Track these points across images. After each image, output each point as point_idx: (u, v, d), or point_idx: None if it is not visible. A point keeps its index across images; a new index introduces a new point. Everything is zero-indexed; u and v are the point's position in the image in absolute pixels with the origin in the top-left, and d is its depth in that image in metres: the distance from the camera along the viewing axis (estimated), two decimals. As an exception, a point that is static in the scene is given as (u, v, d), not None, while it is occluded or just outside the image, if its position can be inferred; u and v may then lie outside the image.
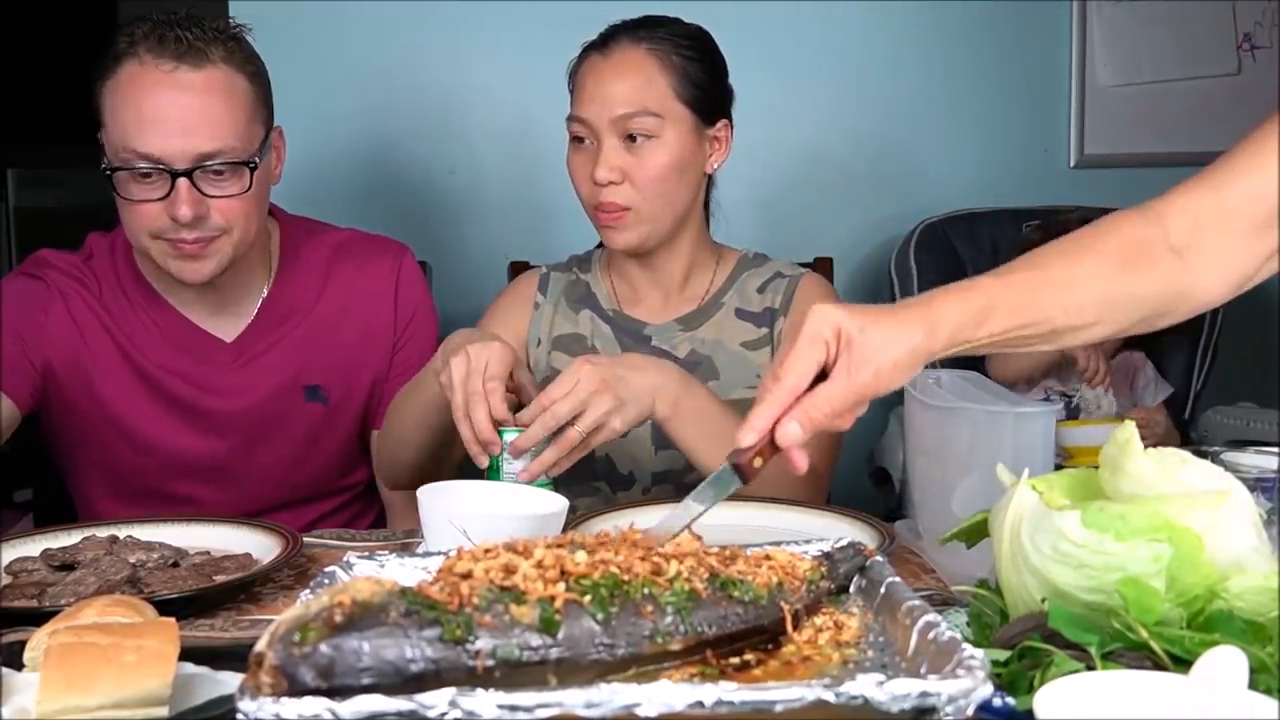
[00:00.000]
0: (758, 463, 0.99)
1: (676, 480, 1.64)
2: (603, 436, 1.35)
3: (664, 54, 1.59)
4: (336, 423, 1.72)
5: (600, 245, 1.78)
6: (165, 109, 1.48)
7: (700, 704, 0.70)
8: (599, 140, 1.58)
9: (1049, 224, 2.32)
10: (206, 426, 1.66)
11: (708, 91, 1.63)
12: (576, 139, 1.61)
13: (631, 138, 1.57)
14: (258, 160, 1.53)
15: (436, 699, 0.69)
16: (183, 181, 1.48)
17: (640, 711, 0.70)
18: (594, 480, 1.65)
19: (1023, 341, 1.04)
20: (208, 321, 1.67)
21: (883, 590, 0.95)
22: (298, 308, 1.70)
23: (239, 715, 0.70)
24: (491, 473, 1.34)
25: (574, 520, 1.32)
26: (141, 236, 1.55)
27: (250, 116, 1.54)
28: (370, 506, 1.83)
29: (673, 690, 0.71)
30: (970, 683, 0.73)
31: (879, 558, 1.02)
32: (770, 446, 0.99)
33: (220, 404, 1.66)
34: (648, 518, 1.35)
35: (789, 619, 0.90)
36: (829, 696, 0.71)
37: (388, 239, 1.81)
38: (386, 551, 1.13)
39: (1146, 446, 0.92)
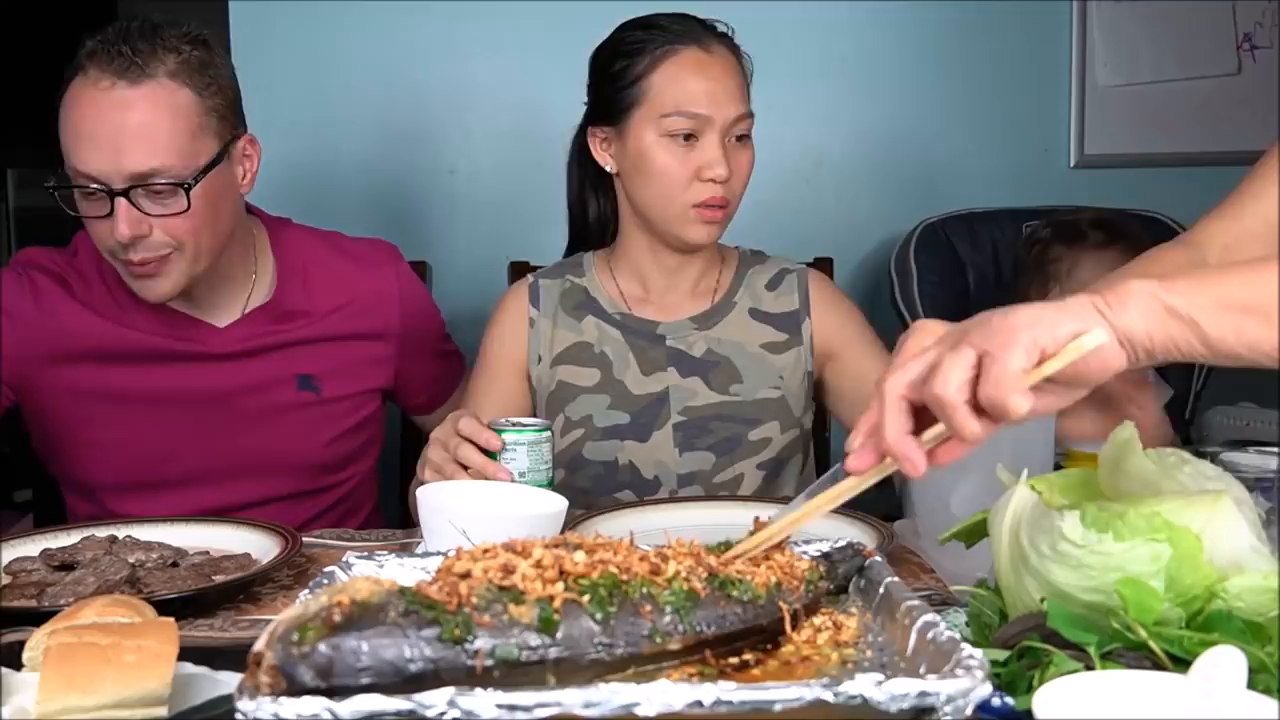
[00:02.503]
0: None
1: (705, 481, 1.62)
2: None
3: (738, 53, 1.62)
4: (328, 415, 1.71)
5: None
6: (100, 128, 1.46)
7: (699, 704, 0.70)
8: (703, 137, 1.57)
9: (1059, 225, 2.30)
10: (194, 414, 1.66)
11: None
12: (682, 135, 1.57)
13: (737, 137, 1.58)
14: (193, 181, 1.49)
15: (435, 699, 0.69)
16: (120, 201, 1.46)
17: (639, 711, 0.70)
18: (619, 490, 1.63)
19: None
20: (199, 314, 1.67)
21: (882, 590, 0.95)
22: (297, 310, 1.70)
23: (238, 715, 0.70)
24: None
25: (575, 520, 1.32)
26: (104, 253, 1.55)
27: (195, 132, 1.50)
28: (361, 504, 1.83)
29: (672, 690, 0.71)
30: (969, 682, 0.73)
31: (878, 558, 1.02)
32: None
33: (209, 390, 1.65)
34: (648, 518, 1.36)
35: (788, 619, 0.90)
36: (828, 696, 0.71)
37: (377, 240, 1.82)
38: (386, 551, 1.13)
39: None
